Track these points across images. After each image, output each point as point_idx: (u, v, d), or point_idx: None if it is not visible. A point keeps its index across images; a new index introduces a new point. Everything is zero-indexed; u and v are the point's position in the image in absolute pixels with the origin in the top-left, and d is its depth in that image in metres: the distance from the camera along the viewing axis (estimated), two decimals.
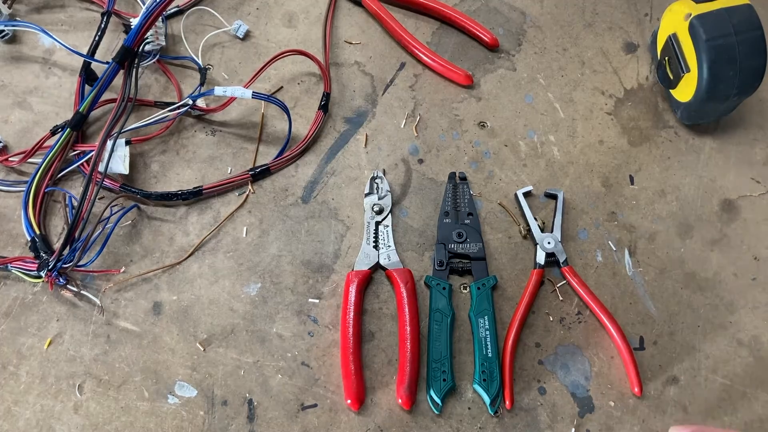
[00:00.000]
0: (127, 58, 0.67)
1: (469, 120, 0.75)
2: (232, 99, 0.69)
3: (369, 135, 0.73)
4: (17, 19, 0.76)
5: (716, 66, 0.66)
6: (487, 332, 0.61)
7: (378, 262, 0.65)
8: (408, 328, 0.61)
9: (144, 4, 0.68)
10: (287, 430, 0.59)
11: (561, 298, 0.66)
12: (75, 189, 0.67)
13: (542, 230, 0.68)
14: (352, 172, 0.71)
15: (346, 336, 0.61)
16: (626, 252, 0.69)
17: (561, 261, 0.66)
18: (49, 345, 0.61)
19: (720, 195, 0.72)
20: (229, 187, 0.69)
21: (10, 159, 0.67)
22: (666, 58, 0.74)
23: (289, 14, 0.80)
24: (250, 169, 0.69)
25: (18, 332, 0.61)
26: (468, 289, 0.65)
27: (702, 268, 0.68)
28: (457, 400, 0.60)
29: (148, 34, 0.69)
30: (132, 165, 0.68)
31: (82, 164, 0.66)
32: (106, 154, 0.63)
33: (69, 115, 0.68)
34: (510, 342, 0.62)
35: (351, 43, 0.79)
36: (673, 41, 0.72)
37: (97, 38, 0.70)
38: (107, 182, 0.66)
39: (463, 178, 0.71)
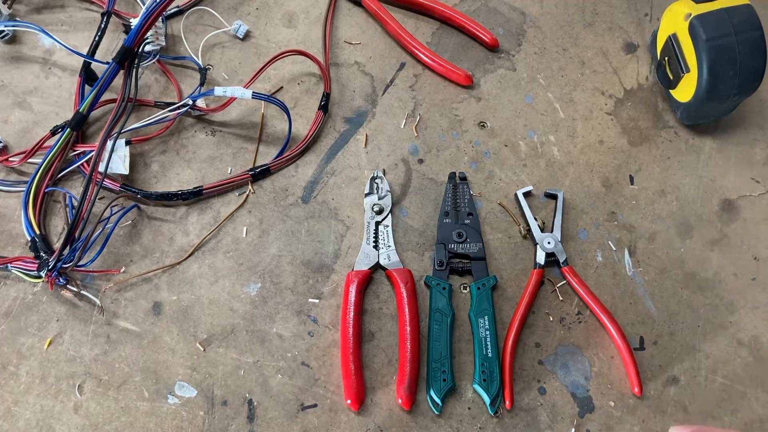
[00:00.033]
0: (127, 58, 0.66)
1: (469, 120, 0.75)
2: (232, 99, 0.69)
3: (369, 135, 0.73)
4: (17, 19, 0.76)
5: (716, 66, 0.66)
6: (487, 332, 0.61)
7: (378, 262, 0.65)
8: (408, 328, 0.61)
9: (144, 4, 0.68)
10: (287, 430, 0.59)
11: (561, 298, 0.66)
12: (75, 189, 0.67)
13: (542, 230, 0.68)
14: (352, 172, 0.71)
15: (346, 336, 0.61)
16: (626, 252, 0.69)
17: (561, 261, 0.66)
18: (49, 345, 0.61)
19: (720, 195, 0.72)
20: (229, 187, 0.69)
21: (10, 159, 0.67)
22: (666, 58, 0.74)
23: (289, 14, 0.80)
24: (250, 169, 0.69)
25: (18, 332, 0.61)
26: (468, 289, 0.65)
27: (702, 268, 0.68)
28: (457, 400, 0.60)
29: (148, 34, 0.69)
30: (132, 165, 0.68)
31: (82, 164, 0.66)
32: (106, 154, 0.63)
33: (69, 115, 0.68)
34: (510, 342, 0.62)
35: (351, 43, 0.79)
36: (673, 41, 0.72)
37: (97, 38, 0.70)
38: (107, 182, 0.66)
39: (463, 178, 0.71)
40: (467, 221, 0.68)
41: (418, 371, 0.60)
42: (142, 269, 0.64)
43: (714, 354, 0.64)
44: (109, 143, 0.63)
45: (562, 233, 0.68)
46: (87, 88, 0.71)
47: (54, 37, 0.68)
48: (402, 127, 0.74)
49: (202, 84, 0.72)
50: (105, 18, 0.71)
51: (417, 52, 0.77)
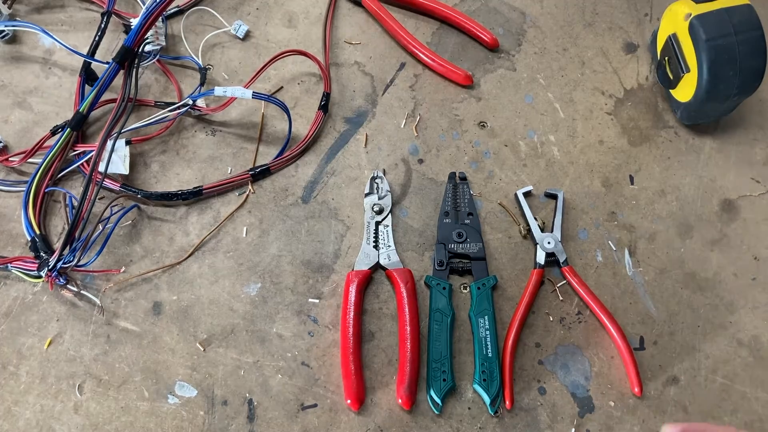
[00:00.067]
0: (127, 58, 0.66)
1: (469, 120, 0.75)
2: (232, 99, 0.69)
3: (369, 135, 0.73)
4: (17, 19, 0.76)
5: (716, 66, 0.66)
6: (487, 332, 0.61)
7: (378, 262, 0.65)
8: (408, 328, 0.61)
9: (144, 4, 0.68)
10: (287, 430, 0.59)
11: (561, 298, 0.66)
12: (75, 189, 0.67)
13: (542, 230, 0.68)
14: (352, 172, 0.71)
15: (346, 336, 0.61)
16: (626, 252, 0.69)
17: (561, 261, 0.66)
18: (49, 345, 0.61)
19: (720, 195, 0.72)
20: (229, 187, 0.69)
21: (10, 159, 0.67)
22: (666, 58, 0.74)
23: (289, 14, 0.80)
24: (250, 169, 0.69)
25: (18, 332, 0.61)
26: (468, 289, 0.65)
27: (702, 268, 0.68)
28: (457, 400, 0.60)
29: (148, 34, 0.69)
30: (132, 165, 0.68)
31: (82, 164, 0.66)
32: (106, 154, 0.63)
33: (69, 115, 0.68)
34: (510, 342, 0.62)
35: (351, 44, 0.79)
36: (673, 41, 0.72)
37: (97, 38, 0.70)
38: (107, 182, 0.66)
39: (463, 178, 0.71)
40: (467, 221, 0.68)
41: (418, 371, 0.60)
42: (142, 269, 0.64)
43: (714, 354, 0.64)
44: (109, 143, 0.63)
45: (562, 233, 0.68)
46: (87, 88, 0.71)
47: (54, 37, 0.68)
48: (402, 127, 0.74)
49: (202, 84, 0.72)
50: (105, 18, 0.71)
51: (417, 52, 0.77)
